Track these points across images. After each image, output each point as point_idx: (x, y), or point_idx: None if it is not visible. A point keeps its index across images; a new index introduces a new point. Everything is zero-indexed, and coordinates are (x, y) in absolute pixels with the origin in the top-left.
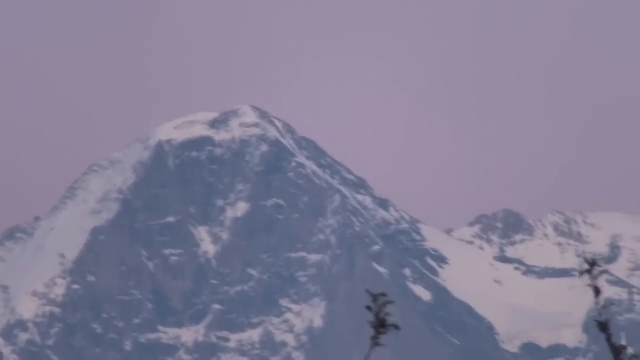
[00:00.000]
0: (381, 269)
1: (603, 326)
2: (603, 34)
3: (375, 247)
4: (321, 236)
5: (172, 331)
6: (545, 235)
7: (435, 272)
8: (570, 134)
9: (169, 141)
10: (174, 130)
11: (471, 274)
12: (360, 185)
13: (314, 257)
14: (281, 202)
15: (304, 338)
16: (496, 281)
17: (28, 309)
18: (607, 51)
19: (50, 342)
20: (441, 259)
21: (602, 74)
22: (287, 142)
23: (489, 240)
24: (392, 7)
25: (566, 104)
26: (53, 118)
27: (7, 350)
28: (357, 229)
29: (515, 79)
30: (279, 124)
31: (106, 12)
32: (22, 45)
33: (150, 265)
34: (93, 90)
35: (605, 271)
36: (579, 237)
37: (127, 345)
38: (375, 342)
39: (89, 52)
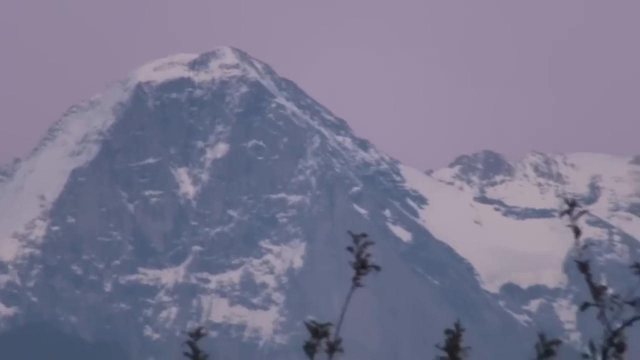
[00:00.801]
0: (361, 210)
1: (583, 267)
2: None
3: (355, 189)
4: (301, 177)
5: (153, 272)
6: (526, 176)
7: (415, 213)
8: (550, 76)
9: (148, 83)
10: (153, 72)
11: (451, 215)
12: (340, 126)
13: (294, 199)
14: (261, 143)
15: (284, 279)
16: (476, 222)
17: (8, 250)
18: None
19: (30, 284)
20: (421, 200)
21: (575, 15)
22: (267, 83)
23: (469, 181)
24: None
25: (544, 44)
26: (32, 59)
27: None
28: (337, 170)
29: (494, 20)
30: (259, 66)
31: None
32: None
33: (131, 206)
34: (73, 31)
35: (585, 212)
36: (558, 178)
37: (107, 287)
38: (356, 283)
39: None
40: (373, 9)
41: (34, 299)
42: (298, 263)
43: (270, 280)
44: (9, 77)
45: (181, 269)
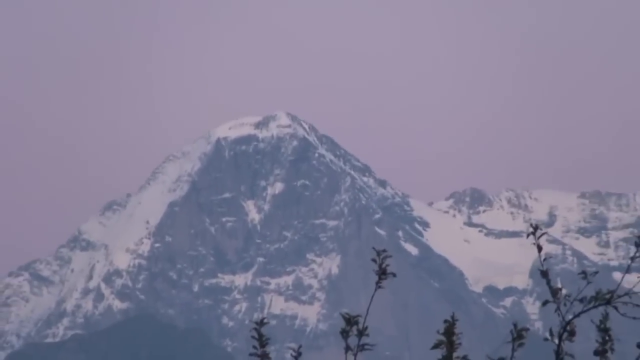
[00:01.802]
0: (381, 232)
1: (544, 274)
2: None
3: (377, 216)
4: (337, 208)
5: (228, 277)
6: (501, 207)
7: (420, 234)
8: (521, 128)
9: (225, 138)
10: (228, 130)
11: (447, 235)
12: (365, 170)
13: (331, 223)
14: (307, 182)
15: (325, 282)
16: (465, 240)
17: (122, 261)
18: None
19: (139, 285)
20: (425, 224)
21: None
22: (312, 138)
23: (459, 210)
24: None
25: (519, 108)
26: (141, 120)
27: (107, 292)
28: (363, 202)
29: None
30: (305, 125)
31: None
32: (103, 47)
33: (212, 229)
34: (169, 100)
35: (545, 233)
36: (525, 208)
37: (195, 288)
38: (378, 285)
39: (163, 70)
40: (387, 72)
41: (142, 297)
42: (335, 270)
43: (314, 283)
44: (121, 130)
45: (249, 275)
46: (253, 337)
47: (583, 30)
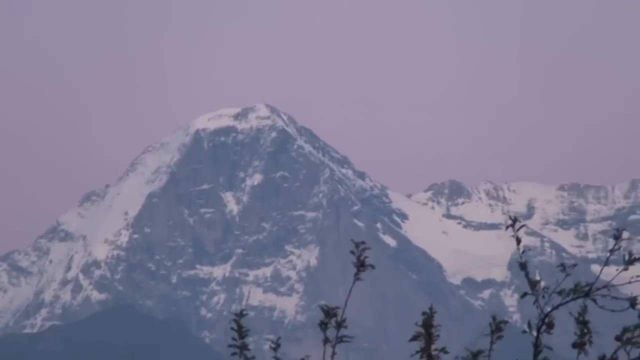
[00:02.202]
0: (360, 224)
1: (523, 266)
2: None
3: (355, 208)
4: (315, 199)
5: (207, 269)
6: (480, 199)
7: (399, 226)
8: (501, 122)
9: (204, 129)
10: (207, 121)
11: (425, 227)
12: (344, 161)
13: (310, 215)
14: (286, 174)
15: (303, 274)
16: (444, 232)
17: (101, 252)
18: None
19: (117, 276)
20: (403, 216)
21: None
22: (291, 130)
23: (438, 202)
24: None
25: (498, 99)
26: (116, 109)
27: (85, 283)
28: (342, 194)
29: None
30: (284, 117)
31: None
32: (88, 47)
33: (191, 220)
34: (148, 92)
35: (524, 225)
36: (504, 200)
37: (174, 279)
38: (357, 277)
39: (142, 62)
40: (368, 67)
41: (120, 287)
42: (313, 262)
43: (293, 274)
44: (99, 121)
45: (228, 266)
46: (232, 328)
47: (567, 30)
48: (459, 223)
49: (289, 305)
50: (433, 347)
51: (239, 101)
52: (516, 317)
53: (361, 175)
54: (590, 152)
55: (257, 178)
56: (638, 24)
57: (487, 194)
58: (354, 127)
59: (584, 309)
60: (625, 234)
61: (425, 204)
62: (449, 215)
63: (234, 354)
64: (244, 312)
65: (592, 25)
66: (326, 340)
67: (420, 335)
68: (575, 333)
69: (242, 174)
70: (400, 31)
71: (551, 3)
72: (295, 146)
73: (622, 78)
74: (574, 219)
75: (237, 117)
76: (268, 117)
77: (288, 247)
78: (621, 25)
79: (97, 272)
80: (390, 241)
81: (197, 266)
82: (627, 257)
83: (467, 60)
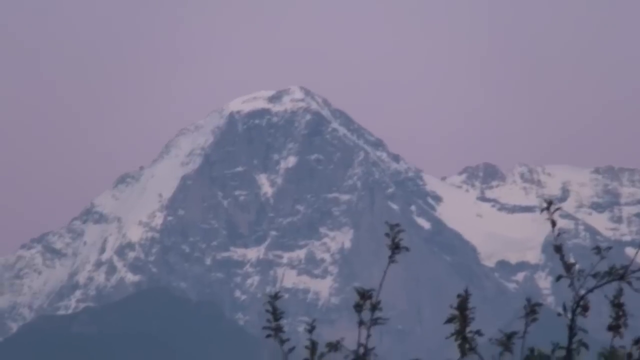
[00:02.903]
0: (394, 206)
1: (558, 249)
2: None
3: (390, 190)
4: (350, 182)
5: (241, 251)
6: (514, 182)
7: (433, 208)
8: (536, 105)
9: (238, 112)
10: (242, 104)
11: (460, 210)
12: (378, 144)
13: (344, 197)
14: (321, 156)
15: (337, 256)
16: (478, 215)
17: (135, 234)
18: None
19: (151, 258)
20: (438, 199)
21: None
22: (325, 112)
23: (473, 185)
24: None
25: (528, 83)
26: (155, 94)
27: (119, 265)
28: (377, 176)
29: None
30: (319, 99)
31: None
32: (117, 30)
33: (225, 202)
34: (183, 75)
35: (559, 208)
36: (539, 183)
37: (208, 261)
38: (391, 260)
39: (178, 46)
40: (402, 46)
41: (154, 269)
42: (347, 245)
43: (327, 257)
44: (135, 104)
45: (262, 248)
46: (267, 310)
47: (584, 3)
48: (493, 206)
49: (322, 288)
50: (467, 329)
51: (273, 84)
52: (550, 299)
53: (396, 158)
54: (625, 134)
55: (292, 160)
56: None
57: (522, 176)
58: (388, 110)
59: (619, 292)
60: None
61: (460, 187)
62: (483, 198)
63: (268, 336)
64: (279, 295)
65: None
66: (361, 323)
67: (455, 318)
68: (610, 316)
69: (276, 157)
70: (435, 10)
71: None
72: (330, 129)
73: None
74: (608, 202)
75: (271, 99)
76: (302, 100)
77: (322, 230)
78: None
79: (131, 254)
80: (425, 224)
81: (231, 248)
82: None
83: (501, 42)
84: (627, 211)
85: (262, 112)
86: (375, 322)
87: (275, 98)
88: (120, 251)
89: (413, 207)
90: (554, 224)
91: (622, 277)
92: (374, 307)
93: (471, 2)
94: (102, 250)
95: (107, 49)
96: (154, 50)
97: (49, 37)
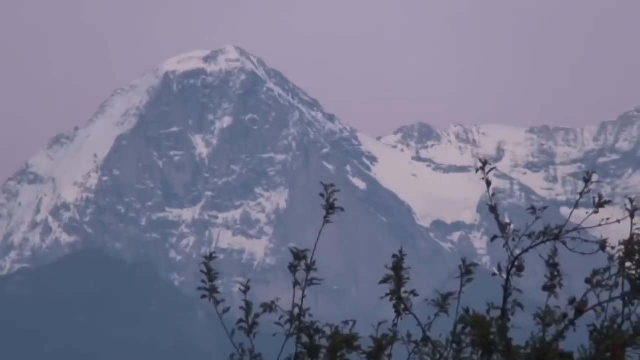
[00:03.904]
0: (329, 166)
1: (492, 209)
2: None
3: (325, 150)
4: (285, 142)
5: (176, 212)
6: (449, 141)
7: (368, 169)
8: (472, 64)
9: (173, 72)
10: (177, 64)
11: (395, 170)
12: (313, 104)
13: (279, 157)
14: (256, 116)
15: (273, 217)
16: (413, 175)
17: (70, 195)
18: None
19: (86, 219)
20: (373, 159)
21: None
22: (260, 72)
23: (408, 145)
24: None
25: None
26: (88, 54)
27: (54, 226)
28: (312, 136)
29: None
30: (254, 59)
31: None
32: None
33: (160, 163)
34: (117, 34)
35: (494, 168)
36: (474, 143)
37: (143, 222)
38: (326, 220)
39: (112, 4)
40: (336, 8)
41: (89, 230)
42: (282, 205)
43: (262, 217)
44: (68, 63)
45: (197, 209)
46: (202, 271)
47: None
48: (428, 166)
49: (258, 248)
50: (403, 289)
51: (208, 44)
52: (485, 259)
53: (331, 118)
54: (559, 94)
55: (227, 121)
56: None
57: (457, 136)
58: (323, 70)
59: (554, 252)
60: (594, 177)
61: (395, 146)
62: (418, 158)
63: (203, 296)
64: (214, 255)
65: None
66: (296, 283)
67: (390, 278)
68: (545, 276)
69: (211, 117)
70: None
71: None
72: (265, 89)
73: (591, 22)
74: (543, 162)
75: (206, 59)
76: (237, 60)
77: (257, 190)
78: None
79: (67, 215)
80: (360, 184)
81: (167, 209)
82: (596, 200)
83: (437, 3)
84: (562, 171)
85: (197, 72)
86: (310, 282)
87: (210, 58)
88: (55, 212)
89: (348, 167)
90: (488, 183)
91: (557, 237)
92: (309, 268)
93: None
94: (37, 211)
95: (46, 6)
96: (89, 9)
97: None
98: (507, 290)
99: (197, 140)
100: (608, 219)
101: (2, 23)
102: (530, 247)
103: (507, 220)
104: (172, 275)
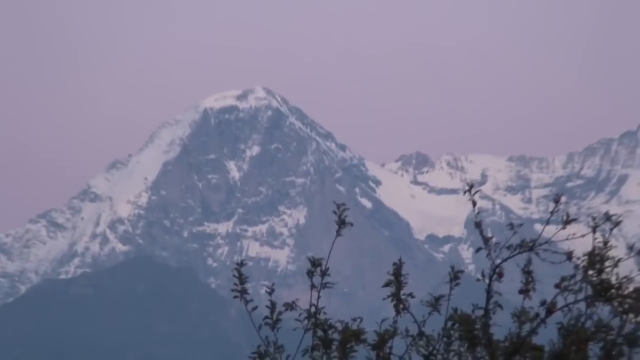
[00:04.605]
0: (341, 188)
1: (477, 225)
2: None
3: (338, 175)
4: (304, 167)
5: (213, 226)
6: (442, 168)
7: (374, 190)
8: (460, 102)
9: (211, 108)
10: (214, 101)
11: (396, 192)
12: (328, 136)
13: (299, 180)
14: (280, 146)
15: (294, 230)
16: (411, 196)
17: (124, 211)
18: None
19: (138, 231)
20: (377, 182)
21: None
22: (284, 109)
23: (407, 171)
24: None
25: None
26: (141, 91)
27: (111, 237)
28: (327, 163)
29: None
30: (278, 98)
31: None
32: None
33: (200, 184)
34: (164, 75)
35: (479, 191)
36: (462, 169)
37: (185, 234)
38: (338, 233)
39: (158, 51)
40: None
41: (140, 241)
42: (302, 220)
43: (285, 231)
44: (124, 99)
45: (230, 224)
46: (234, 275)
47: (521, 13)
48: (424, 188)
49: (281, 257)
50: (402, 292)
51: (240, 84)
52: (471, 267)
53: (342, 148)
54: (534, 128)
55: (255, 149)
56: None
57: (448, 164)
58: (338, 106)
59: (529, 261)
60: (563, 199)
61: (396, 172)
62: (415, 182)
63: (235, 297)
64: (244, 262)
65: (539, 10)
66: (312, 286)
67: (391, 282)
68: (521, 281)
69: (242, 146)
70: (374, 6)
71: None
72: (288, 122)
73: (558, 65)
74: (520, 186)
75: (239, 97)
76: (265, 98)
77: (281, 208)
78: (567, 6)
79: (121, 228)
80: (367, 203)
81: (205, 223)
82: (564, 218)
83: (438, 41)
84: (536, 193)
85: (231, 109)
86: (324, 285)
87: (242, 96)
88: (112, 225)
89: (357, 189)
90: (474, 204)
91: (531, 249)
92: (324, 273)
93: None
94: (97, 224)
95: (100, 46)
96: (142, 55)
97: (42, 37)
98: (489, 293)
99: (231, 165)
100: (574, 234)
101: (71, 49)
102: (509, 257)
103: (490, 235)
104: (209, 279)
